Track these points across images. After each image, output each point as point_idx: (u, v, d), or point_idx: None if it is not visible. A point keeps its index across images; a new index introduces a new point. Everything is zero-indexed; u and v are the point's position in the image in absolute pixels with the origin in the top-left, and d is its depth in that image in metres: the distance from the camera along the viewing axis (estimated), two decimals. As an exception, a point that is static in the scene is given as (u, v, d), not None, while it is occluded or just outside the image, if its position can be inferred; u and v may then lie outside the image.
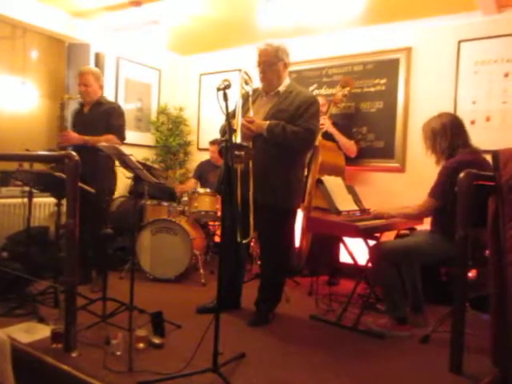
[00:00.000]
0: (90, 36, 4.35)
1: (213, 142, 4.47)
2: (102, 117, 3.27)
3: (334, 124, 3.82)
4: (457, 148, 2.49)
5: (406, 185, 3.89)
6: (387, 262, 2.52)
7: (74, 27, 4.22)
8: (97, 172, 3.07)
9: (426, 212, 2.54)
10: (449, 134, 2.51)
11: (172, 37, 4.71)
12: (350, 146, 3.86)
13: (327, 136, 3.75)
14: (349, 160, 3.85)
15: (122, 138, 3.29)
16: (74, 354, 2.08)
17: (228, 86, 2.04)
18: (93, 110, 3.33)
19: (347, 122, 4.07)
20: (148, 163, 2.58)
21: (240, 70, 2.77)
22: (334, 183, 2.86)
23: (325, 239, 3.51)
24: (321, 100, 3.52)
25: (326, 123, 3.73)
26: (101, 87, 3.39)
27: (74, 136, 3.16)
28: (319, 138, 3.55)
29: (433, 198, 2.47)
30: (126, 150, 2.47)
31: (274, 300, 2.79)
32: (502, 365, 1.93)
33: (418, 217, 2.69)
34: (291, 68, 3.03)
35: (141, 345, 2.19)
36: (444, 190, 2.39)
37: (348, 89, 3.87)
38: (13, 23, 3.92)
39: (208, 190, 3.84)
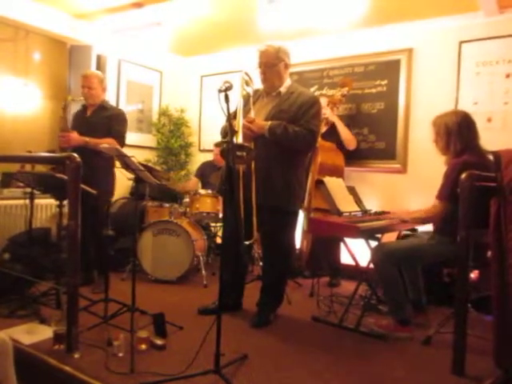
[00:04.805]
0: (92, 38, 4.36)
1: (217, 144, 4.47)
2: (104, 121, 3.27)
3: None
4: (468, 149, 2.44)
5: (408, 186, 3.88)
6: (389, 263, 2.50)
7: (76, 29, 4.23)
8: (97, 174, 3.07)
9: (436, 215, 2.46)
10: (464, 135, 2.45)
11: (173, 38, 4.72)
12: (350, 137, 3.84)
13: (326, 136, 3.75)
14: (350, 161, 3.85)
15: (121, 143, 3.25)
16: (75, 355, 2.08)
17: (229, 88, 2.04)
18: (96, 114, 3.33)
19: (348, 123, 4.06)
20: (149, 164, 2.58)
21: (241, 72, 2.77)
22: (335, 184, 2.86)
23: (326, 240, 3.51)
24: (323, 102, 3.52)
25: (327, 112, 3.71)
26: (104, 90, 3.40)
27: (75, 137, 3.15)
28: (318, 138, 3.55)
29: (441, 201, 2.41)
30: (127, 151, 2.48)
31: (276, 301, 2.79)
32: (505, 366, 1.93)
33: (429, 221, 2.60)
34: (292, 69, 3.02)
35: (142, 346, 2.19)
36: (452, 191, 2.30)
37: (347, 89, 3.84)
38: (15, 25, 3.93)
39: (209, 192, 3.85)
